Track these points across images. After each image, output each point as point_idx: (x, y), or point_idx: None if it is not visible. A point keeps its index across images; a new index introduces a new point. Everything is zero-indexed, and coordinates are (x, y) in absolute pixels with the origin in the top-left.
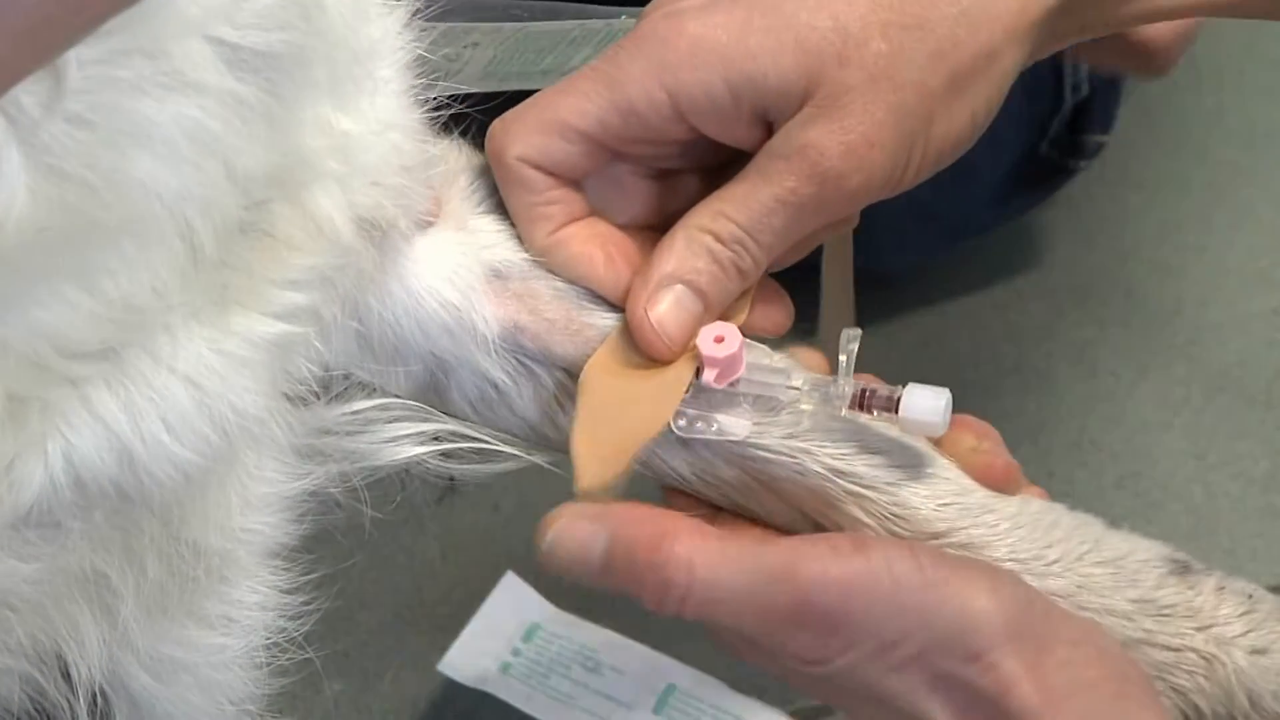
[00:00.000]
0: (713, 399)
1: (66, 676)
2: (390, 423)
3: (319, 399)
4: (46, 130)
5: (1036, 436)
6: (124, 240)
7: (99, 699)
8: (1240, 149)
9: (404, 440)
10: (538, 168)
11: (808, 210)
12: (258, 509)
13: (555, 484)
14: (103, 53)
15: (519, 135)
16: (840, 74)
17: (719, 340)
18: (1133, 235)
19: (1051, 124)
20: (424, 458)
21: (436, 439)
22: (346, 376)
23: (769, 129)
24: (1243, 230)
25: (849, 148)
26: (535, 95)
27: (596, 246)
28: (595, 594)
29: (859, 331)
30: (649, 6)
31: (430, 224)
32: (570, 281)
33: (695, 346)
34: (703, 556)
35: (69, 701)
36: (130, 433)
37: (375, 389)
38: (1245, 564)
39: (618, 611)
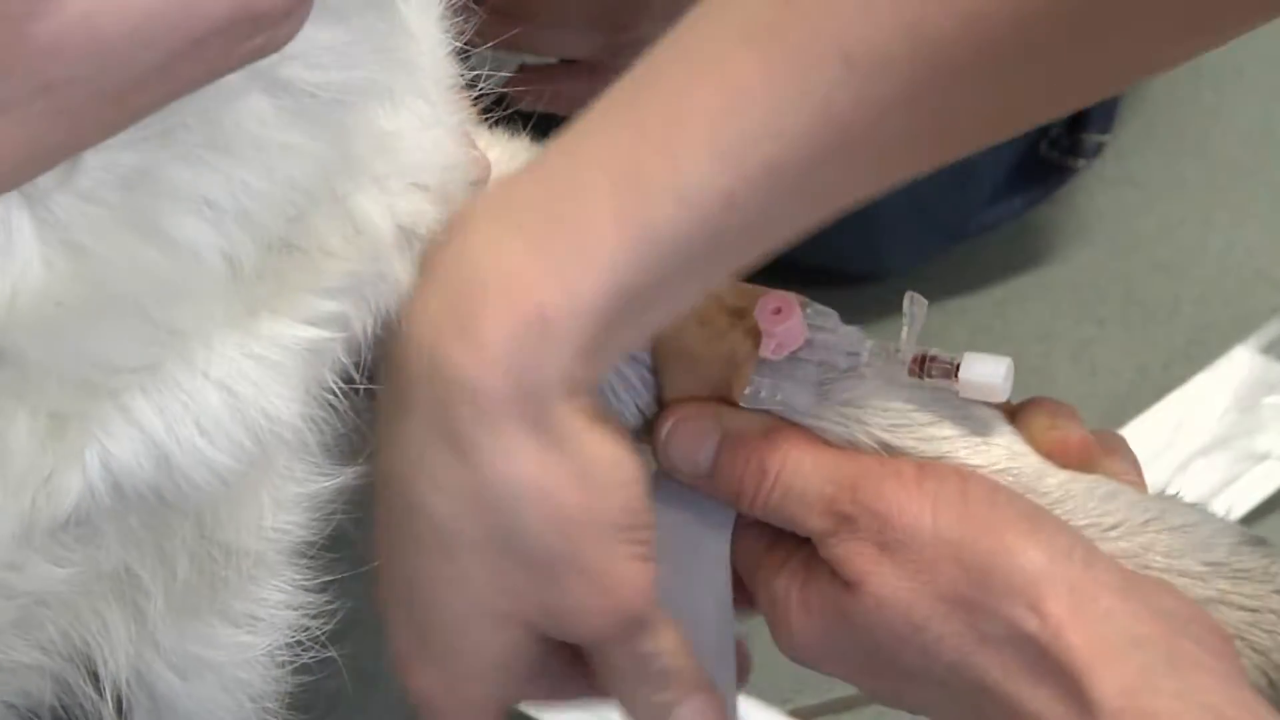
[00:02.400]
0: (776, 367)
1: (94, 676)
2: None
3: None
4: (60, 205)
5: None
6: (172, 288)
7: (124, 699)
8: (1240, 149)
9: None
10: None
11: None
12: (288, 509)
13: None
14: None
15: None
16: None
17: (776, 312)
18: (1133, 234)
19: (1052, 124)
20: None
21: None
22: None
23: None
24: (1243, 230)
25: None
26: None
27: None
28: None
29: (923, 299)
30: None
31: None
32: None
33: (756, 320)
34: (797, 452)
35: (94, 701)
36: (166, 437)
37: None
38: None
39: None
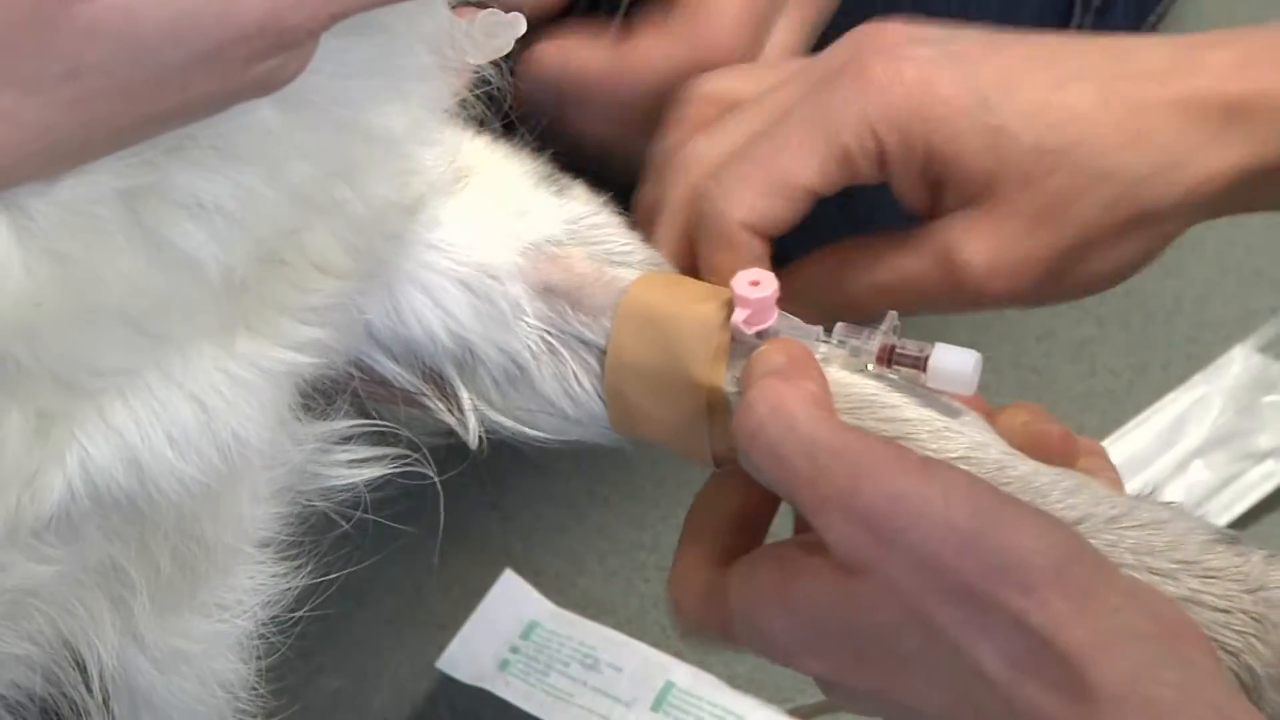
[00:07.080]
0: (744, 351)
1: (82, 670)
2: (347, 443)
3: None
4: (41, 214)
5: None
6: (162, 298)
7: (108, 692)
8: None
9: (366, 463)
10: (757, 231)
11: (922, 297)
12: (267, 501)
13: (553, 483)
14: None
15: (743, 199)
16: (1017, 196)
17: (754, 284)
18: None
19: None
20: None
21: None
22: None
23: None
24: (1243, 229)
25: (994, 269)
26: (748, 150)
27: None
28: (594, 592)
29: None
30: (855, 34)
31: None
32: None
33: (732, 288)
34: (791, 403)
35: (82, 694)
36: (140, 443)
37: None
38: None
39: (616, 609)
